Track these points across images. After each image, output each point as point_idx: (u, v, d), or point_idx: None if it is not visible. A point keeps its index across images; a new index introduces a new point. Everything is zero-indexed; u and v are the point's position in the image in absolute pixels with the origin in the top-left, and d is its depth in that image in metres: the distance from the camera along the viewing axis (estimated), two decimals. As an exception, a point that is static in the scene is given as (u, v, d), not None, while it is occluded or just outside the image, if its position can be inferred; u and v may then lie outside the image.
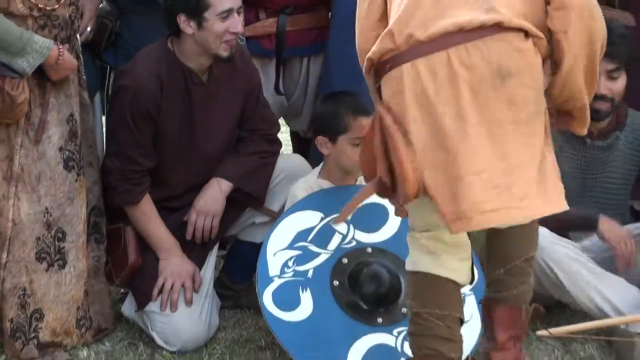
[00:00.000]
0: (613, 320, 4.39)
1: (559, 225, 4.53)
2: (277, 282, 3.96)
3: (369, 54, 3.49)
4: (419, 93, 3.33)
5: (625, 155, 4.83)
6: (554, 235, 4.49)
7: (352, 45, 4.33)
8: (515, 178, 3.37)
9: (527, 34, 3.46)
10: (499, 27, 3.36)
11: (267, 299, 3.89)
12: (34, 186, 3.91)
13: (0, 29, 3.71)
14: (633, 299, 4.49)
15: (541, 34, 3.42)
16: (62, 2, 3.91)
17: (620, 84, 4.57)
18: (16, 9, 3.74)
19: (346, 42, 4.44)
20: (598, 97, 4.38)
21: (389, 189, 3.48)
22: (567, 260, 4.44)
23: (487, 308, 3.84)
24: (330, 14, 4.89)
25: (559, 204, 3.49)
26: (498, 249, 3.91)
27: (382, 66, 3.52)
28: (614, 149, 4.80)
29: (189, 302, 4.10)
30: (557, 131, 4.56)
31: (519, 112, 3.37)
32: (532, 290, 3.99)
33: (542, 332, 4.30)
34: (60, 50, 3.82)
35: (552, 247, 4.42)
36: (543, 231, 4.22)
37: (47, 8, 3.84)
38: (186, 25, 4.02)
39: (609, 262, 4.55)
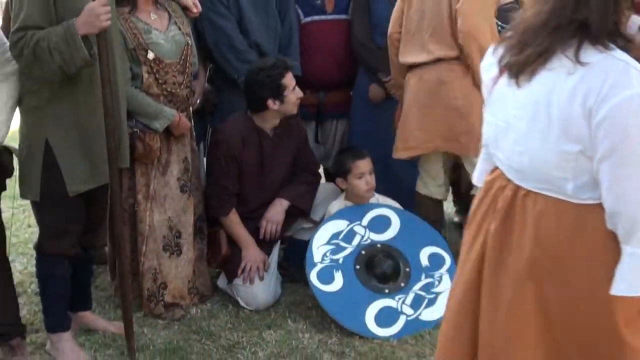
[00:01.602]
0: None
1: None
2: (319, 266, 4.17)
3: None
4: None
5: None
6: None
7: (367, 113, 4.82)
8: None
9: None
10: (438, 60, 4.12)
11: (313, 277, 4.12)
12: (161, 203, 4.15)
13: (143, 102, 3.95)
14: None
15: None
16: (182, 87, 4.11)
17: None
18: (153, 91, 3.99)
19: (363, 111, 4.87)
20: None
21: None
22: None
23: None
24: (351, 92, 5.00)
25: None
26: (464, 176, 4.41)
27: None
28: None
29: (261, 278, 4.30)
30: None
31: None
32: None
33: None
34: (180, 117, 4.07)
35: None
36: None
37: (172, 91, 4.06)
38: (272, 104, 4.22)
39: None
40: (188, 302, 4.28)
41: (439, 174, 4.53)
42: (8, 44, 3.43)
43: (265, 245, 4.43)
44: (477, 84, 3.92)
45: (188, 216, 4.26)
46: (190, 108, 4.32)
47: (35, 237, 5.12)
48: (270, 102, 4.23)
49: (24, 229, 5.61)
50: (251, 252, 4.33)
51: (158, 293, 4.18)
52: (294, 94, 4.26)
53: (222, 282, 4.48)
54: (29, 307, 4.29)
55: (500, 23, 4.54)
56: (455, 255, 4.23)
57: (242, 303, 4.31)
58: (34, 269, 4.55)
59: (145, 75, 3.99)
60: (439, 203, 4.71)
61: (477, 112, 3.70)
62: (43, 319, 3.81)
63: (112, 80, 3.44)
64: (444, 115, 4.25)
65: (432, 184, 4.54)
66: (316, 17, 4.85)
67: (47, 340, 3.79)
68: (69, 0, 3.35)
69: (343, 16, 4.89)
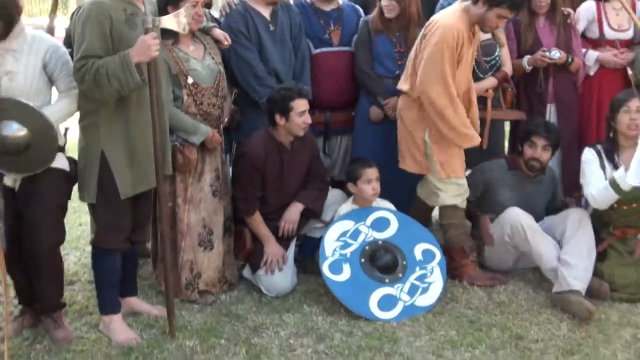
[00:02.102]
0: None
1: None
2: (330, 259, 4.24)
3: None
4: None
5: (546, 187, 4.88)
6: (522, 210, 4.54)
7: (368, 130, 4.91)
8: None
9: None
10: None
11: (325, 268, 4.20)
12: (197, 205, 4.27)
13: (183, 120, 4.07)
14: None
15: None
16: (215, 107, 4.23)
17: (547, 155, 4.66)
18: (192, 111, 4.13)
19: (364, 129, 4.95)
20: (534, 159, 4.62)
21: None
22: (534, 224, 4.49)
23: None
24: (354, 112, 5.06)
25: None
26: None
27: None
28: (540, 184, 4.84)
29: (280, 269, 4.37)
30: (508, 169, 4.74)
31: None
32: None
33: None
34: (213, 132, 4.20)
35: (524, 216, 4.50)
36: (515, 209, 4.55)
37: (207, 111, 4.19)
38: (279, 119, 4.30)
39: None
40: (218, 289, 4.38)
41: None
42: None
43: (283, 241, 4.48)
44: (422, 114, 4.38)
45: (219, 217, 4.36)
46: (221, 125, 4.38)
47: (85, 234, 5.20)
48: (277, 117, 4.29)
49: (76, 227, 5.65)
50: (272, 248, 4.40)
51: (194, 282, 4.27)
52: (300, 118, 4.29)
53: (247, 272, 4.53)
54: (83, 293, 4.41)
55: (482, 57, 4.85)
56: (443, 251, 4.49)
57: (264, 290, 4.38)
58: (86, 261, 4.73)
59: (185, 97, 4.12)
60: (431, 207, 4.86)
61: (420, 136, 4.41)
62: (97, 303, 3.92)
63: (158, 101, 3.59)
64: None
65: None
66: (324, 49, 4.91)
67: (100, 321, 3.90)
68: (123, 34, 3.50)
69: (347, 48, 4.95)
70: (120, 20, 3.51)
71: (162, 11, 3.90)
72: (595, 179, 4.39)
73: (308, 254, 4.80)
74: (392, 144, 4.74)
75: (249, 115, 4.68)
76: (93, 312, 4.13)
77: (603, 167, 4.42)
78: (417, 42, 4.45)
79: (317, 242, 4.58)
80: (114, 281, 3.87)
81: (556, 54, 4.95)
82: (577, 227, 4.44)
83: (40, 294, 3.78)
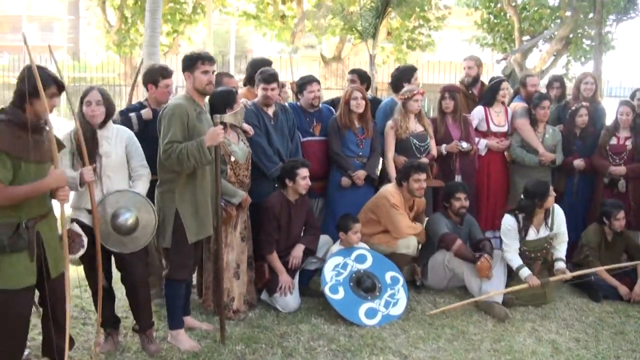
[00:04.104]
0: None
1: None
2: (329, 284, 4.30)
3: None
4: None
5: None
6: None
7: (339, 193, 5.00)
8: None
9: None
10: None
11: (326, 290, 4.26)
12: (233, 248, 4.22)
13: (227, 187, 4.08)
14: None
15: None
16: (247, 178, 4.25)
17: (467, 204, 4.80)
18: (232, 180, 4.16)
19: (336, 193, 5.02)
20: (463, 207, 4.77)
21: None
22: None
23: None
24: (328, 181, 5.05)
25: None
26: None
27: None
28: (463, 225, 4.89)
29: (291, 292, 4.38)
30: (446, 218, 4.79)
31: None
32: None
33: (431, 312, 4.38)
34: (247, 196, 4.22)
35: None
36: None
37: (242, 180, 4.22)
38: (289, 182, 4.39)
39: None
40: (243, 309, 4.34)
41: None
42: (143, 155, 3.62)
43: (291, 272, 4.51)
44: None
45: (244, 255, 4.37)
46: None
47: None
48: (287, 181, 4.39)
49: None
50: (285, 277, 4.43)
51: (230, 304, 4.25)
52: (303, 181, 4.37)
53: (264, 296, 4.52)
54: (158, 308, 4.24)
55: (418, 143, 5.09)
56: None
57: (279, 308, 4.38)
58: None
59: (229, 170, 4.20)
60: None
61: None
62: (168, 322, 3.85)
63: (218, 173, 3.69)
64: None
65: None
66: (310, 138, 5.03)
67: (168, 334, 3.84)
68: (195, 126, 3.59)
69: (324, 137, 5.05)
70: (193, 117, 3.60)
71: (219, 109, 3.94)
72: (512, 245, 4.64)
73: (305, 282, 4.79)
74: (356, 203, 4.89)
75: (257, 181, 4.60)
76: (158, 328, 4.01)
77: (519, 231, 4.66)
78: None
79: (311, 273, 4.70)
80: (180, 304, 3.88)
81: (464, 145, 5.27)
82: (496, 262, 4.69)
83: (137, 316, 3.72)
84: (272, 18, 16.58)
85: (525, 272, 4.57)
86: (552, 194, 4.68)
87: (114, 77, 15.79)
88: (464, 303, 4.51)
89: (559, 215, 4.78)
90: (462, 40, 18.92)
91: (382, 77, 14.34)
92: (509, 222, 4.69)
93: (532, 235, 4.71)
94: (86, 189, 3.29)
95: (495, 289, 4.53)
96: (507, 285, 4.64)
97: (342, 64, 17.60)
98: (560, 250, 4.78)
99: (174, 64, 8.89)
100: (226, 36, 30.81)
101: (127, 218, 3.44)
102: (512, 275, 4.70)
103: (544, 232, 4.75)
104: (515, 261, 4.63)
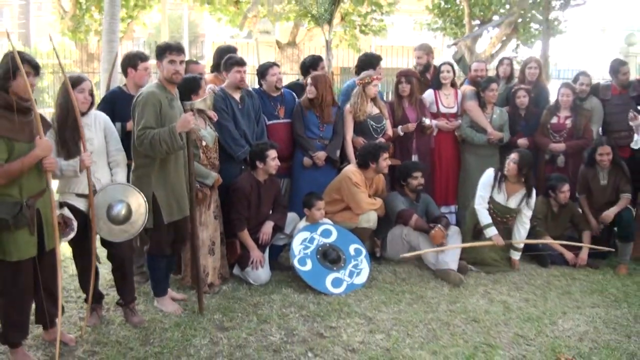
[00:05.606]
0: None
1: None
2: (298, 257, 4.48)
3: None
4: None
5: None
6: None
7: (302, 173, 5.16)
8: None
9: None
10: None
11: (295, 262, 4.43)
12: (207, 226, 4.35)
13: (201, 169, 4.18)
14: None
15: None
16: (217, 160, 4.34)
17: (423, 181, 5.05)
18: (204, 163, 4.24)
19: (300, 173, 5.18)
20: (420, 185, 5.01)
21: None
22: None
23: None
24: (291, 162, 5.21)
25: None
26: None
27: None
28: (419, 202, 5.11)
29: (262, 266, 4.53)
30: (402, 196, 4.97)
31: None
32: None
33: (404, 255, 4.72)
34: (218, 177, 4.33)
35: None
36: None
37: (213, 162, 4.32)
38: (259, 163, 4.53)
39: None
40: (217, 282, 4.49)
41: None
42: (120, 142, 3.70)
43: (262, 248, 4.65)
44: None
45: (217, 232, 4.51)
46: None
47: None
48: (257, 162, 4.55)
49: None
50: (256, 252, 4.58)
51: (205, 278, 4.39)
52: (273, 161, 4.54)
53: (236, 270, 4.68)
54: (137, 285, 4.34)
55: (374, 124, 5.31)
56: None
57: (251, 281, 4.55)
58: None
59: (201, 154, 4.33)
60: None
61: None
62: (152, 290, 4.08)
63: (191, 157, 3.83)
64: None
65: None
66: (274, 121, 5.17)
67: (149, 305, 4.06)
68: (167, 113, 3.69)
69: (289, 120, 5.23)
70: (165, 104, 3.71)
71: (185, 97, 4.06)
72: (484, 196, 4.93)
73: (274, 256, 4.96)
74: (319, 182, 5.10)
75: (224, 164, 4.67)
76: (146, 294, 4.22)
77: (493, 187, 4.98)
78: None
79: (280, 248, 4.88)
80: (163, 275, 4.08)
81: (427, 121, 5.55)
82: (453, 235, 5.01)
83: (122, 291, 3.88)
84: (226, 3, 16.49)
85: (492, 230, 4.84)
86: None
87: (70, 63, 15.42)
88: (436, 250, 4.80)
89: (532, 201, 5.01)
90: (413, 24, 19.18)
91: (336, 62, 14.55)
92: (489, 172, 5.00)
93: (500, 198, 4.95)
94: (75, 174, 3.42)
95: (451, 259, 4.81)
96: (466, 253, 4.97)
97: (297, 49, 17.67)
98: (521, 232, 4.99)
99: (129, 50, 8.76)
100: (179, 21, 30.32)
101: (119, 209, 3.56)
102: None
103: (513, 203, 4.98)
104: (485, 218, 4.89)
